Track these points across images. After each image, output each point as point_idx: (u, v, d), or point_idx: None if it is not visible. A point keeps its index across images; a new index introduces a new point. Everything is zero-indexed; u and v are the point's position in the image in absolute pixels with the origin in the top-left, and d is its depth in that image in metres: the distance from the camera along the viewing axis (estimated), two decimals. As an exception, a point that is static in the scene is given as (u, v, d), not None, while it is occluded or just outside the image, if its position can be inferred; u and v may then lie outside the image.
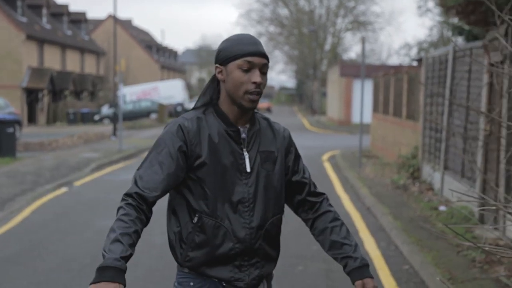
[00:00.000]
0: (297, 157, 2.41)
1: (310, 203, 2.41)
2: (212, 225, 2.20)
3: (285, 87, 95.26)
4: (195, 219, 2.21)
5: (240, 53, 2.17)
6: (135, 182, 2.15)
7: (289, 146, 2.39)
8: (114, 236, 2.01)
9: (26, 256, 6.30)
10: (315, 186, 2.45)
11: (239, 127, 2.25)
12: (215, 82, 2.28)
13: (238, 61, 2.17)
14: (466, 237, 6.19)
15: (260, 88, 2.20)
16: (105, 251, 1.99)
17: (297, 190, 2.39)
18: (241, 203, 2.22)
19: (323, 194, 2.46)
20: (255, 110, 2.33)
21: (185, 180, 2.23)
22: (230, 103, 2.23)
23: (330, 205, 2.47)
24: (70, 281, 5.49)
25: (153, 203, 2.16)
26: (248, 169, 2.24)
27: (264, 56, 2.21)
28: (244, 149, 2.25)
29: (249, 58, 2.17)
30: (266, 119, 2.38)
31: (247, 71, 2.18)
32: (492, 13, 6.65)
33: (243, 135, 2.26)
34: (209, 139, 2.21)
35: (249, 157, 2.25)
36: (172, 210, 2.28)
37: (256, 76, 2.18)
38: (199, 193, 2.21)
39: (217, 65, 2.24)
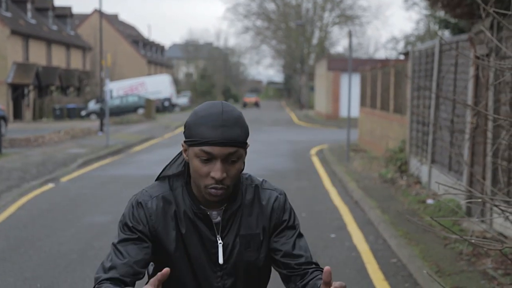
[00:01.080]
0: (289, 229, 1.88)
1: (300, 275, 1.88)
2: None
3: (272, 82, 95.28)
4: None
5: (198, 139, 1.72)
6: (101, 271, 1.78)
7: (279, 220, 1.88)
8: None
9: (13, 253, 6.24)
10: (312, 264, 1.87)
11: (208, 212, 1.82)
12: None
13: (196, 149, 1.73)
14: (453, 230, 6.22)
15: (223, 184, 1.74)
16: None
17: (286, 269, 1.87)
18: None
19: (314, 263, 1.90)
20: (242, 175, 1.89)
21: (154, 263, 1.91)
22: (197, 188, 1.82)
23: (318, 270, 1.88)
24: (57, 277, 5.45)
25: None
26: (221, 261, 1.83)
27: (229, 144, 1.71)
28: (218, 236, 1.83)
29: (206, 148, 1.71)
30: (256, 187, 1.89)
31: (206, 161, 1.73)
32: (478, 6, 6.66)
33: (217, 219, 1.83)
34: (176, 224, 1.82)
35: (224, 245, 1.83)
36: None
37: (215, 171, 1.71)
38: (167, 285, 1.82)
39: (182, 142, 1.82)
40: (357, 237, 6.89)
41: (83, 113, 35.21)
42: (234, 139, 1.72)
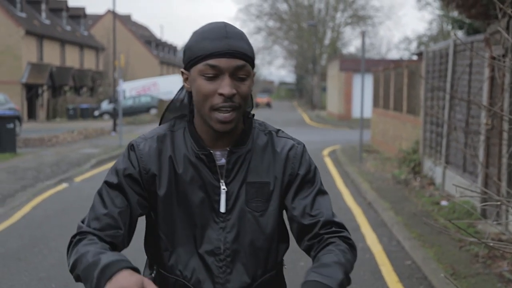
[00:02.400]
0: (307, 184, 1.65)
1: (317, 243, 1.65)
2: (173, 284, 1.65)
3: (284, 82, 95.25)
4: (153, 274, 1.70)
5: (202, 53, 1.54)
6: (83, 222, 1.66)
7: (294, 170, 1.65)
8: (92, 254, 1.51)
9: (27, 252, 6.28)
10: (329, 224, 1.63)
11: (211, 151, 1.61)
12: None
13: (200, 66, 1.55)
14: (469, 232, 6.17)
15: (233, 102, 1.54)
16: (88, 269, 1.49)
17: (301, 232, 1.67)
18: (214, 255, 1.62)
19: (339, 231, 1.64)
20: (255, 121, 1.69)
21: (149, 224, 1.71)
22: (203, 121, 1.61)
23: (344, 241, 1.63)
24: (71, 277, 5.45)
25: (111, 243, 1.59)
26: (223, 209, 1.61)
27: (237, 55, 1.54)
28: (222, 181, 1.62)
29: (212, 61, 1.53)
30: (270, 134, 1.68)
31: (212, 78, 1.54)
32: (493, 6, 6.60)
33: (222, 161, 1.63)
34: (171, 166, 1.62)
35: (228, 192, 1.61)
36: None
37: (224, 86, 1.53)
38: (156, 240, 1.67)
39: (182, 69, 1.64)
40: (370, 239, 6.86)
41: (96, 113, 35.40)
42: (242, 51, 1.55)
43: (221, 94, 1.53)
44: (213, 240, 1.62)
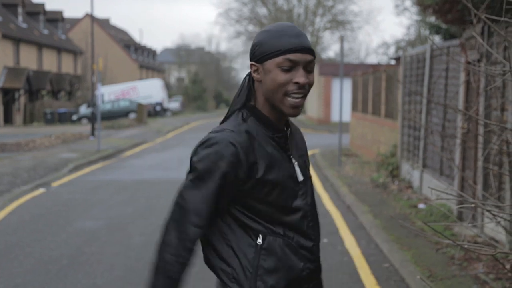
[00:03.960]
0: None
1: None
2: (280, 244, 1.91)
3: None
4: (259, 241, 1.91)
5: (281, 49, 1.82)
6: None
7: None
8: None
9: (2, 258, 6.20)
10: None
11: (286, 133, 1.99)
12: (250, 81, 1.94)
13: (278, 59, 1.83)
14: (445, 235, 6.23)
15: (305, 89, 1.86)
16: None
17: None
18: (304, 218, 1.97)
19: None
20: None
21: (239, 200, 1.93)
22: (270, 108, 1.91)
23: None
24: (48, 283, 5.41)
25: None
26: (301, 178, 1.98)
27: (309, 51, 1.86)
28: (292, 156, 1.98)
29: (290, 56, 1.83)
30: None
31: (288, 70, 1.84)
32: (469, 11, 6.70)
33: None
34: (262, 150, 1.89)
35: (297, 164, 2.00)
36: (214, 241, 1.95)
37: (299, 76, 1.83)
38: (260, 213, 1.91)
39: (252, 62, 1.90)
40: (349, 242, 6.90)
41: (74, 117, 35.08)
42: (311, 48, 1.87)
43: (296, 83, 1.84)
44: (301, 205, 1.95)
